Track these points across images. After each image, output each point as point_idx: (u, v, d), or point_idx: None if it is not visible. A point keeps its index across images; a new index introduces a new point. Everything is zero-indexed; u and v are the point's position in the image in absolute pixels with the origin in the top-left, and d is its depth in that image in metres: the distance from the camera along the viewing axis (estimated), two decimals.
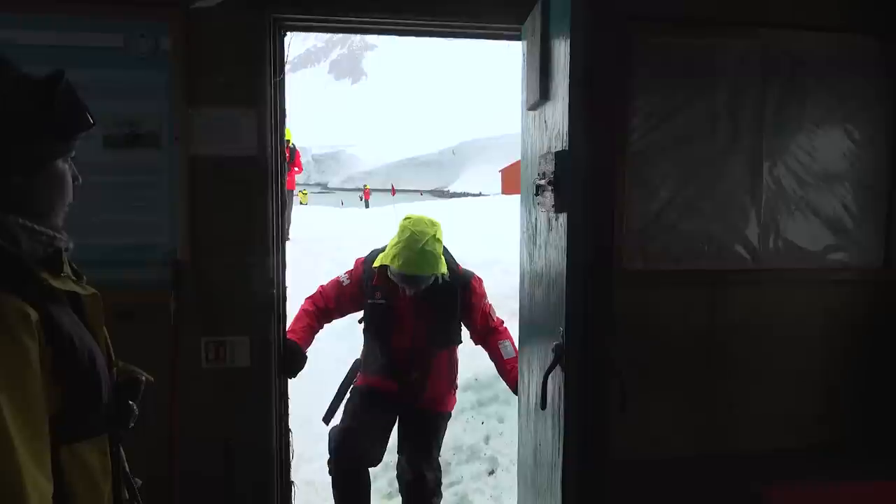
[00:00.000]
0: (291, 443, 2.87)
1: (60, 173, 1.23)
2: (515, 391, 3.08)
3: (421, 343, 3.21)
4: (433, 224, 3.16)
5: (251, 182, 2.62)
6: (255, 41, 2.58)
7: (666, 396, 2.81)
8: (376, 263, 3.17)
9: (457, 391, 3.50)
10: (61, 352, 1.13)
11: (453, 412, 4.82)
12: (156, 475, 2.37)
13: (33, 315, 1.07)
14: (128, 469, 1.40)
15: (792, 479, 2.63)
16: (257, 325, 2.66)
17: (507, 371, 3.23)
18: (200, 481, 2.53)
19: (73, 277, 1.26)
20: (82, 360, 1.17)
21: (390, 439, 3.35)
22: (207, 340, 2.60)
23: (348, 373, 3.38)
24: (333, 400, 3.33)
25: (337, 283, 3.28)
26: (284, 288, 2.80)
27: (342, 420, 3.24)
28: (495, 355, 3.31)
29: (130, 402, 1.33)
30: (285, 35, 2.78)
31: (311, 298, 3.25)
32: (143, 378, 1.39)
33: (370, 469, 3.21)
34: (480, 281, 3.36)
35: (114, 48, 2.52)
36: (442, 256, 3.15)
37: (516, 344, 3.18)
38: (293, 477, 2.93)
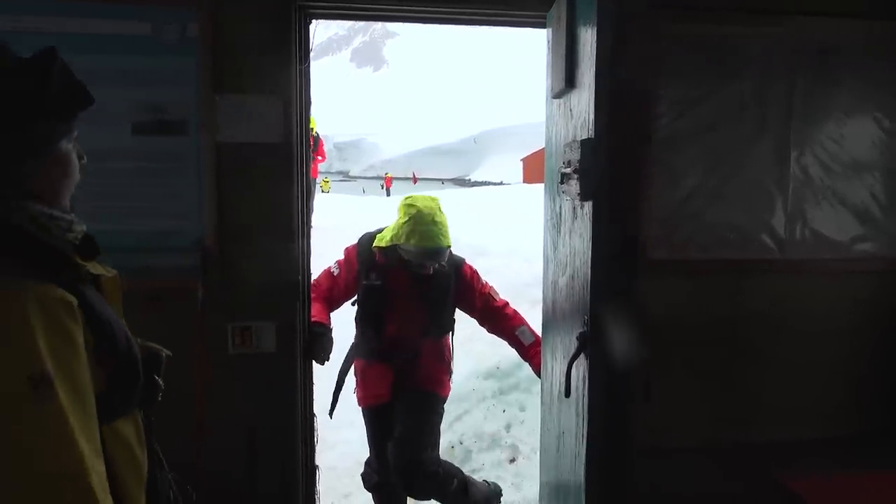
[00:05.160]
0: (316, 427, 2.91)
1: (66, 154, 1.21)
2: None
3: (414, 324, 3.21)
4: (434, 199, 3.24)
5: (276, 169, 2.63)
6: (280, 29, 2.59)
7: (690, 385, 2.80)
8: (381, 244, 3.17)
9: (451, 379, 3.45)
10: (101, 335, 1.14)
11: (474, 400, 4.86)
12: (182, 459, 2.43)
13: (73, 301, 1.08)
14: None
15: (815, 469, 2.61)
16: (282, 310, 2.68)
17: (532, 357, 3.23)
18: (226, 464, 2.57)
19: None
20: (121, 341, 1.19)
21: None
22: (234, 326, 2.63)
23: (345, 359, 3.39)
24: (334, 391, 3.35)
25: (328, 274, 3.28)
26: (309, 274, 2.83)
27: (369, 457, 3.38)
28: (515, 343, 3.31)
29: (156, 377, 1.36)
30: (310, 22, 2.79)
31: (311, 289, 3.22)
32: (164, 353, 1.42)
33: None
34: (470, 266, 3.39)
35: (142, 36, 2.55)
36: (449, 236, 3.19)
37: (536, 330, 3.18)
38: (316, 461, 2.96)
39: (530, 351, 3.23)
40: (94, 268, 1.23)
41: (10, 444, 0.98)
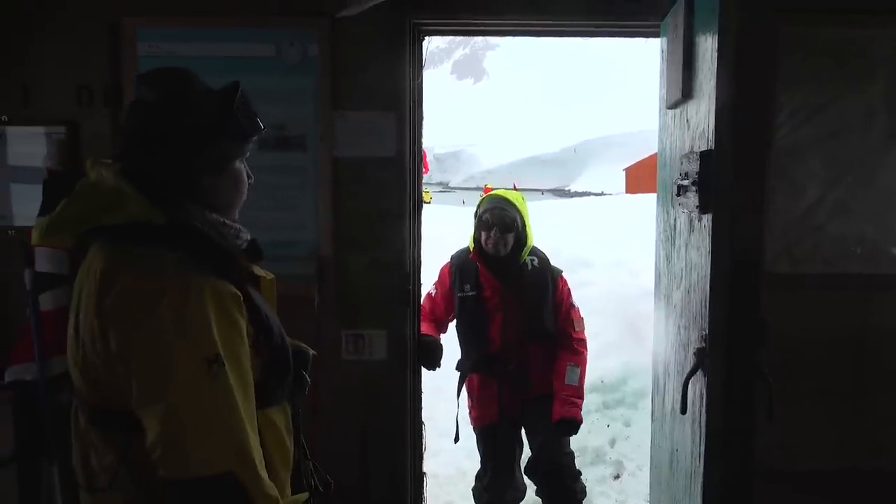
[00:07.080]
0: (424, 435, 2.95)
1: (239, 172, 1.36)
2: (557, 423, 3.00)
3: (514, 329, 3.14)
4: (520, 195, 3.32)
5: (390, 181, 2.72)
6: (395, 46, 2.68)
7: (815, 405, 2.66)
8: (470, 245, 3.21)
9: None
10: (259, 327, 1.26)
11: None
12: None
13: (240, 296, 1.21)
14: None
15: None
16: (394, 319, 2.76)
17: (560, 398, 3.08)
18: (339, 467, 2.64)
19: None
20: (276, 335, 1.30)
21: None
22: (347, 333, 2.73)
23: (458, 382, 3.35)
24: (456, 416, 3.34)
25: (429, 296, 3.28)
26: (419, 284, 2.89)
27: (480, 471, 3.29)
28: (558, 373, 3.14)
29: (304, 374, 1.44)
30: (423, 39, 2.86)
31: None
32: (311, 353, 1.50)
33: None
34: (565, 281, 3.31)
35: (267, 57, 2.69)
36: (528, 222, 3.17)
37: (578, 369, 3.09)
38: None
39: (562, 392, 3.08)
40: (257, 270, 1.37)
41: (186, 414, 1.10)
